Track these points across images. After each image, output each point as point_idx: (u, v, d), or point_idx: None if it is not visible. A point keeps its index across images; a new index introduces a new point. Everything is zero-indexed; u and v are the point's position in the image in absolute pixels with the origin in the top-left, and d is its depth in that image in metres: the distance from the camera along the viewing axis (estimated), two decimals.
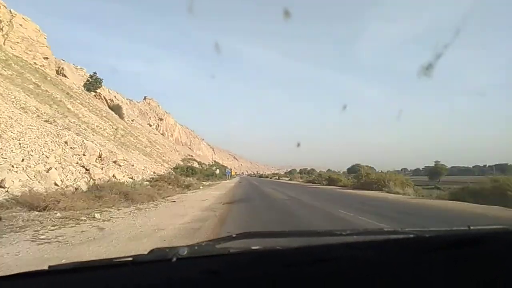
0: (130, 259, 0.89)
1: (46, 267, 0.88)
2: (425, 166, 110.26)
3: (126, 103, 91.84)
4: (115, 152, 16.07)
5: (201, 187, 21.10)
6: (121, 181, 12.27)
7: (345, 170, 66.16)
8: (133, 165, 15.46)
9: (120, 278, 0.82)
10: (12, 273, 0.84)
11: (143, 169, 16.72)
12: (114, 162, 13.89)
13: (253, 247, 0.96)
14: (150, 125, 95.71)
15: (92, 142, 14.62)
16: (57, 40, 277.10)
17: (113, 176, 12.51)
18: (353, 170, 48.38)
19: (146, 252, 0.95)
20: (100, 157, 13.29)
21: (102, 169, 12.52)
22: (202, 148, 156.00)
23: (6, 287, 0.81)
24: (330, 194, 19.25)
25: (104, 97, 41.74)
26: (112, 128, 23.62)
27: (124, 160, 14.98)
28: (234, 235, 1.12)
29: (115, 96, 49.47)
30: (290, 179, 66.09)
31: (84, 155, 12.33)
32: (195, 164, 52.15)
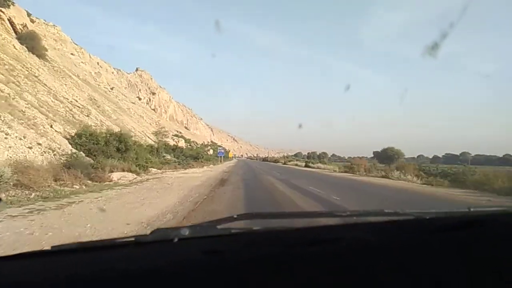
0: (133, 239, 0.89)
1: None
2: (446, 154, 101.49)
3: (113, 73, 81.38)
4: None
5: None
6: None
7: (371, 156, 53.79)
8: None
9: (123, 259, 0.81)
10: (13, 253, 0.82)
11: None
12: None
13: (255, 228, 0.97)
14: (140, 98, 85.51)
15: None
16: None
17: None
18: (385, 155, 37.11)
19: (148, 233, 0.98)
20: None
21: None
22: (200, 127, 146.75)
23: (8, 267, 0.79)
24: None
25: (10, 19, 27.62)
26: None
27: None
28: (235, 216, 1.09)
29: (29, 19, 34.15)
30: (339, 170, 30.99)
31: None
32: (181, 142, 41.44)
